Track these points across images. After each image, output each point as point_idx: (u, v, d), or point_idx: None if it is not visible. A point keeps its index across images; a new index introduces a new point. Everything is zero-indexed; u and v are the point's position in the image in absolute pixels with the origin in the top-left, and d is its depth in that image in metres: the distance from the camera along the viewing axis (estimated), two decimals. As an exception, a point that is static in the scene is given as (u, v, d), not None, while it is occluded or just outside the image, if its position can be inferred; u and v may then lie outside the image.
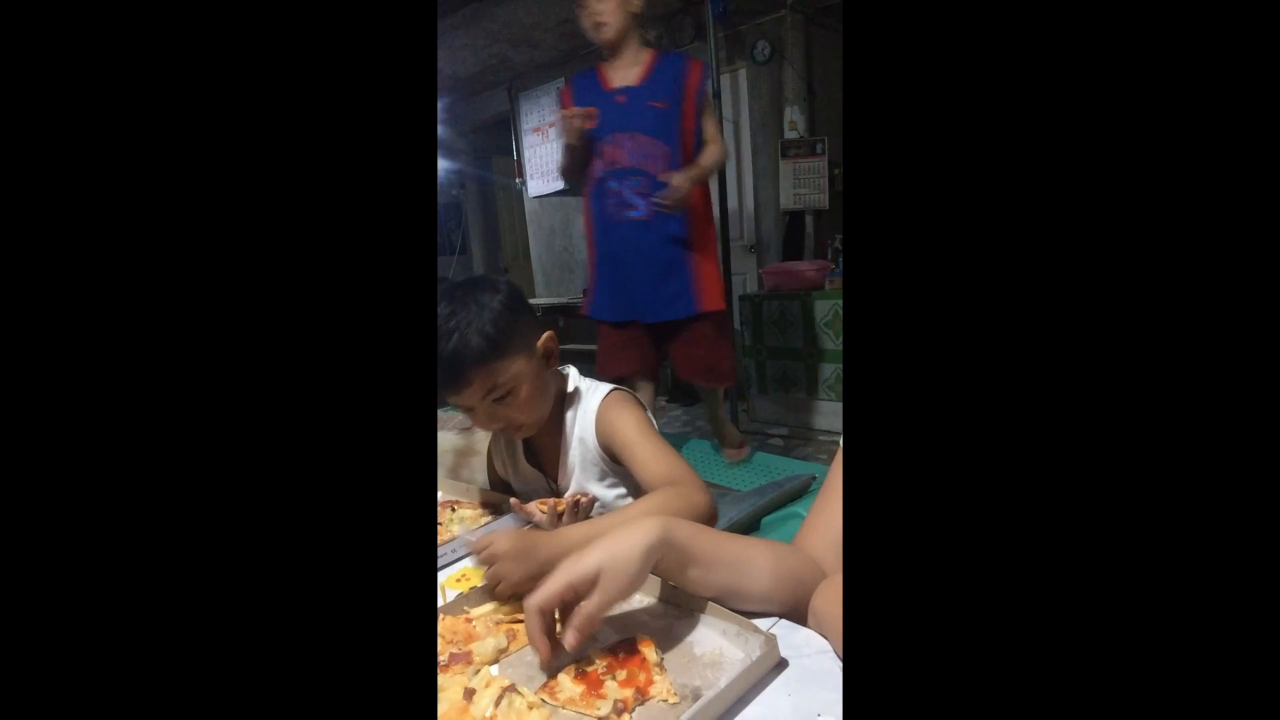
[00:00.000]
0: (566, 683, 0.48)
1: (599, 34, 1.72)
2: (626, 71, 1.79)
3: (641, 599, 0.61)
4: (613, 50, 1.78)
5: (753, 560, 0.57)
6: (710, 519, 0.76)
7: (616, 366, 1.91)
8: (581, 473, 0.90)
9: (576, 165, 1.86)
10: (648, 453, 0.82)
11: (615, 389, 0.89)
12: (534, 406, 0.81)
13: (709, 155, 1.82)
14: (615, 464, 0.88)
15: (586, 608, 0.49)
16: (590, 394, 0.89)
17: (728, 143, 3.18)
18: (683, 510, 0.73)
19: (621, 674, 0.48)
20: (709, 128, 1.83)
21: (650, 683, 0.48)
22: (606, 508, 0.90)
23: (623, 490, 0.91)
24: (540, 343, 0.82)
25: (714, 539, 0.56)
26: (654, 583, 0.60)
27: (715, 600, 0.55)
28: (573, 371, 0.91)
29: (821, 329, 2.76)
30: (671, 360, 1.95)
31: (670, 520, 0.53)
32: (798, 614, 0.55)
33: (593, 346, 2.07)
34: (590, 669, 0.49)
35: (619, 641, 0.52)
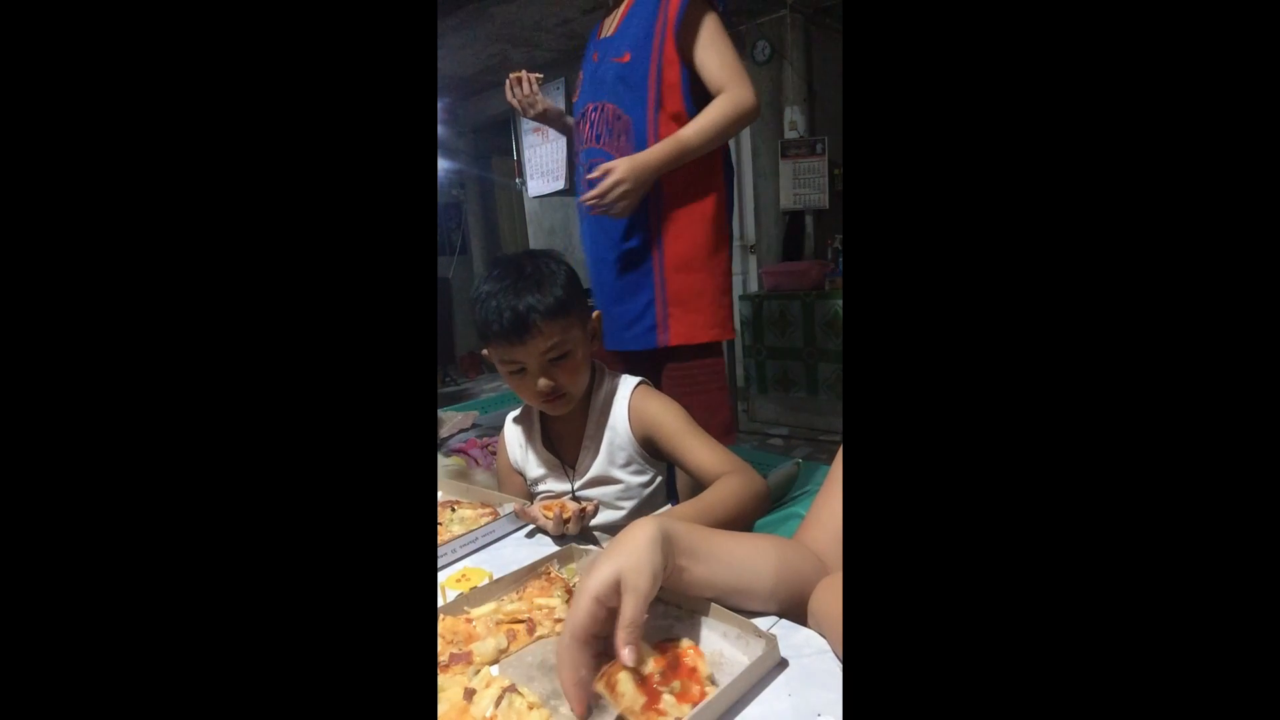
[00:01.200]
0: (629, 686, 0.45)
1: None
2: (612, 20, 1.27)
3: None
4: None
5: (754, 557, 0.56)
6: (767, 499, 0.82)
7: None
8: (606, 459, 0.91)
9: (560, 131, 1.42)
10: (697, 444, 0.86)
11: (643, 381, 0.92)
12: (580, 377, 0.85)
13: (703, 119, 1.15)
14: (650, 453, 0.91)
15: (625, 614, 0.46)
16: (619, 383, 0.92)
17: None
18: (748, 495, 0.78)
19: (676, 685, 0.47)
20: (710, 69, 1.16)
21: (704, 697, 0.46)
22: (629, 492, 0.92)
23: (648, 476, 0.93)
24: (593, 319, 0.88)
25: (710, 536, 0.55)
26: None
27: (717, 601, 0.54)
28: (595, 360, 0.94)
29: (821, 329, 2.76)
30: None
31: (664, 519, 0.53)
32: (800, 611, 0.55)
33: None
34: (646, 671, 0.47)
35: (660, 641, 0.51)
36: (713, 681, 0.48)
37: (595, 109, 1.25)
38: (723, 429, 1.26)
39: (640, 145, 1.18)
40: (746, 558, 0.56)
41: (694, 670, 0.48)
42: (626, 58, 1.20)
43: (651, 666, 0.47)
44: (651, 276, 1.23)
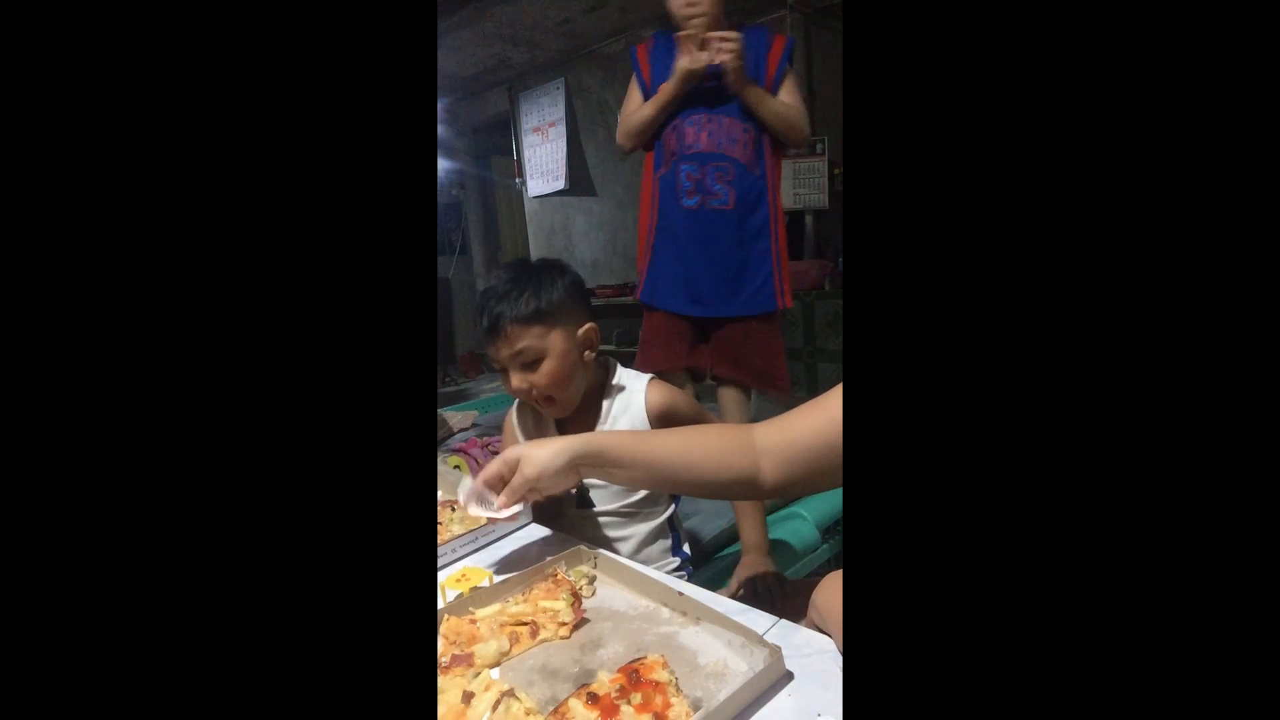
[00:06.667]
0: (579, 709, 0.46)
1: (689, 13, 1.51)
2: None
3: (646, 604, 0.61)
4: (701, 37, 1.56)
5: (681, 451, 0.67)
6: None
7: (663, 358, 1.70)
8: None
9: (657, 127, 1.64)
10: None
11: (654, 376, 0.94)
12: (560, 384, 0.88)
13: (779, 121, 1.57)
14: None
15: (513, 482, 0.67)
16: (634, 384, 0.93)
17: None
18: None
19: (636, 698, 0.46)
20: (786, 99, 1.60)
21: (668, 705, 0.46)
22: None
23: None
24: (582, 331, 0.90)
25: (633, 442, 0.68)
26: (658, 588, 0.60)
27: (659, 490, 0.59)
28: (617, 365, 0.95)
29: (821, 329, 2.76)
30: (716, 358, 1.67)
31: (590, 435, 0.68)
32: (735, 494, 0.61)
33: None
34: (603, 693, 0.47)
35: (629, 661, 0.50)
36: (677, 688, 0.48)
37: (710, 120, 1.56)
38: (784, 376, 1.66)
39: (758, 149, 1.57)
40: (674, 452, 0.67)
41: (656, 682, 0.48)
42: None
43: (608, 687, 0.48)
44: (770, 254, 1.61)
